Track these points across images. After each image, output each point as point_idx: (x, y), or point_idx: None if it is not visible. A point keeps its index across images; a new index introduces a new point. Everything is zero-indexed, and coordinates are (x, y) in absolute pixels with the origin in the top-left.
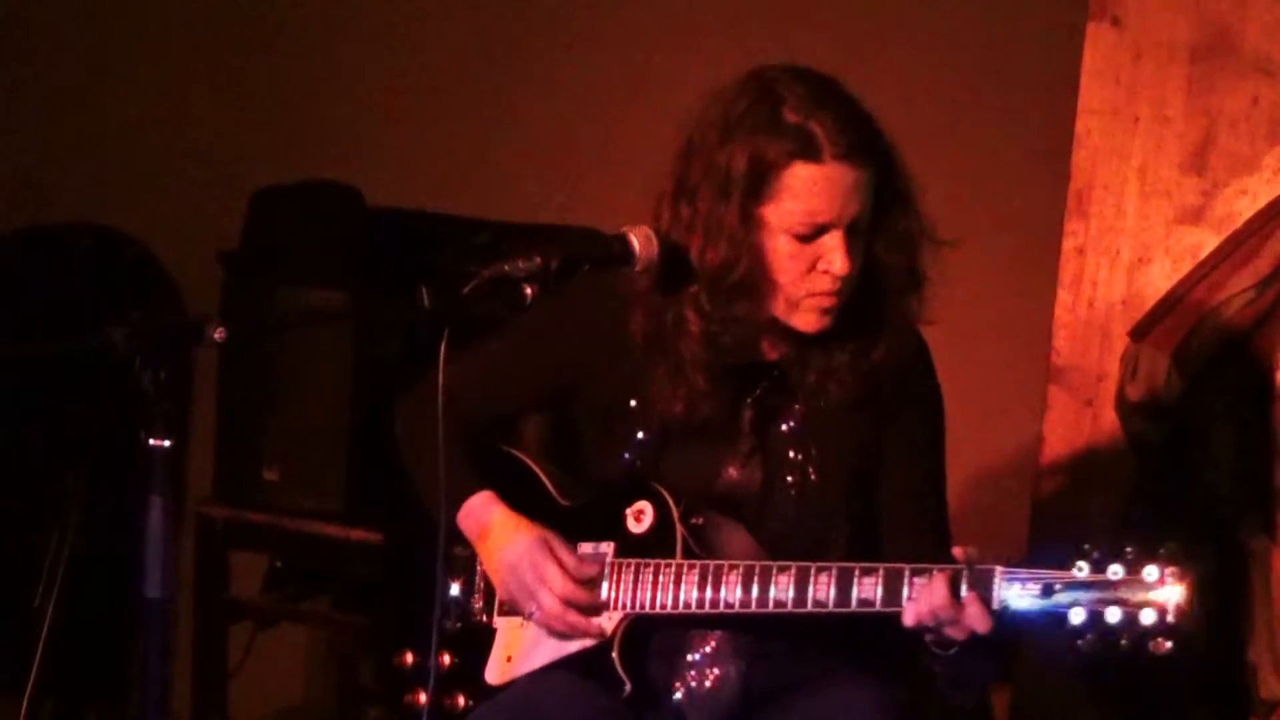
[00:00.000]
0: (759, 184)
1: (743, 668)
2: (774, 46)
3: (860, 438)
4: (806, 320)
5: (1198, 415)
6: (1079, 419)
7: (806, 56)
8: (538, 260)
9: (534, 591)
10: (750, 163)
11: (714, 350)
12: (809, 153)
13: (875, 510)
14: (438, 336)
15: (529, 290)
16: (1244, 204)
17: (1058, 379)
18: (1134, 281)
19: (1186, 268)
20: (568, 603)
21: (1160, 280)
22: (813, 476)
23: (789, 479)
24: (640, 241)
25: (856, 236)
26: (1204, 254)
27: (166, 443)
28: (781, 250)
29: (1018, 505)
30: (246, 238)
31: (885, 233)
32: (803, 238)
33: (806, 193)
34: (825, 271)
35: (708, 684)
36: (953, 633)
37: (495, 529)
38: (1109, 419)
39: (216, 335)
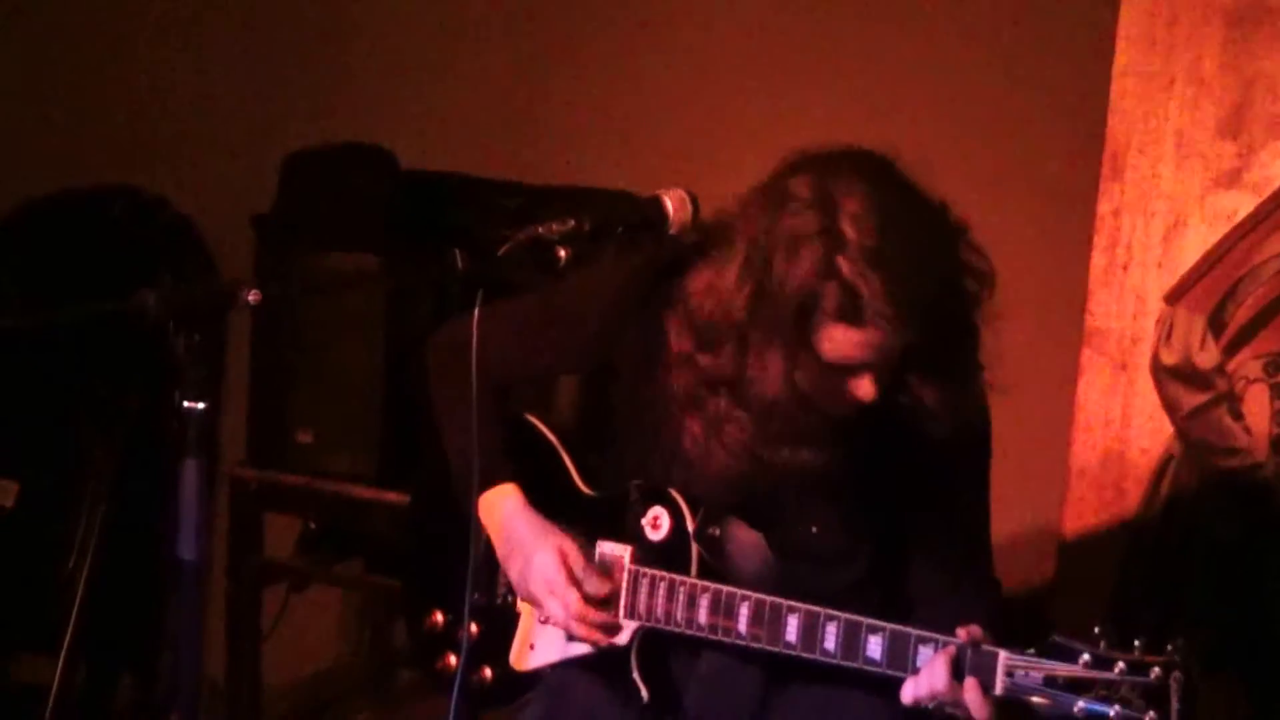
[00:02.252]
0: (804, 320)
1: (760, 675)
2: (802, 10)
3: (902, 475)
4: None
5: (1233, 379)
6: (1113, 383)
7: (836, 16)
8: (571, 223)
9: (545, 603)
10: (799, 300)
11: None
12: (851, 317)
13: (906, 542)
14: (472, 299)
15: (563, 253)
16: None
17: (1092, 342)
18: (1169, 245)
19: (1222, 231)
20: (579, 618)
21: (1196, 243)
22: (847, 508)
23: (819, 500)
24: (675, 204)
25: (889, 366)
26: (1240, 217)
27: (200, 406)
28: (815, 374)
29: (1051, 470)
30: (279, 201)
31: (921, 363)
32: (834, 369)
33: (842, 346)
34: (852, 394)
35: (725, 690)
36: (953, 711)
37: (514, 529)
38: (1143, 383)
39: (250, 298)
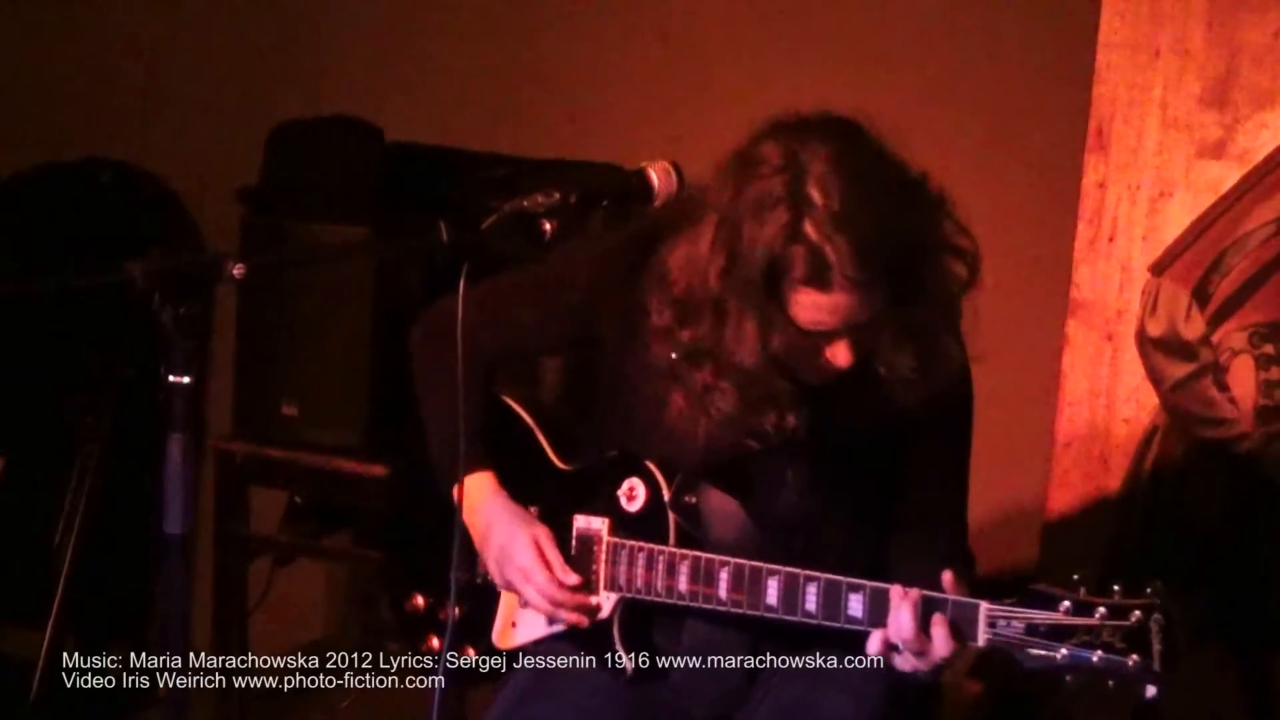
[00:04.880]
0: (774, 285)
1: (746, 645)
2: None
3: (879, 442)
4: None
5: (1218, 350)
6: (1099, 354)
7: None
8: (556, 195)
9: (520, 589)
10: (767, 265)
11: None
12: (818, 281)
13: (887, 518)
14: (457, 272)
15: (548, 225)
16: (1266, 138)
17: (1077, 314)
18: (1154, 216)
19: (1207, 202)
20: (558, 603)
21: (1181, 215)
22: (823, 474)
23: (795, 468)
24: (660, 176)
25: (864, 331)
26: (1225, 188)
27: (186, 379)
28: (792, 340)
29: (1037, 441)
30: (266, 173)
31: (894, 328)
32: (808, 334)
33: (812, 310)
34: (829, 360)
35: (710, 661)
36: (920, 664)
37: (489, 516)
38: (1129, 354)
39: (235, 272)
